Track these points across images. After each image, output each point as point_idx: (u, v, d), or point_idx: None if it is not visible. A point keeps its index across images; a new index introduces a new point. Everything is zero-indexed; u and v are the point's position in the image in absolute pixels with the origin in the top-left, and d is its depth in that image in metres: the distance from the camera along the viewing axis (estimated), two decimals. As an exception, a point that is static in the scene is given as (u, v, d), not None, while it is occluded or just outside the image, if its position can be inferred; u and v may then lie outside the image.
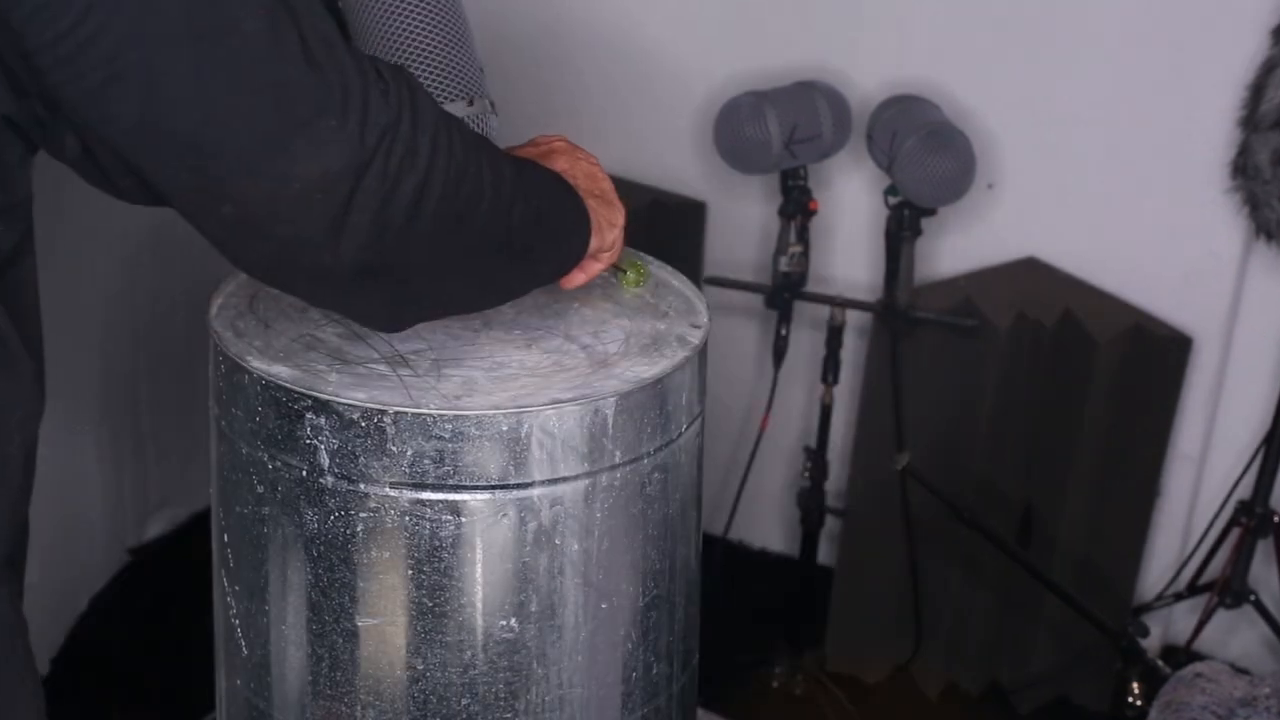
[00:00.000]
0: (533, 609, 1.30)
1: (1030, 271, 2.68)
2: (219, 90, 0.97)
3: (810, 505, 2.68)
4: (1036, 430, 2.58)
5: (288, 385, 1.25)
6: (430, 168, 1.07)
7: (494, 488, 1.25)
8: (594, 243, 1.34)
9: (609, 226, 1.37)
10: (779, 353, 2.62)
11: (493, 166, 1.16)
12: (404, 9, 1.41)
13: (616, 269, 1.48)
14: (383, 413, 1.23)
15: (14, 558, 1.15)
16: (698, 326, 1.45)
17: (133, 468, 2.84)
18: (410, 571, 1.27)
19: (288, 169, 1.00)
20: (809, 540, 2.71)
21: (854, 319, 2.65)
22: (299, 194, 1.01)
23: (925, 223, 2.48)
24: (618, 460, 1.30)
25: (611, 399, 1.27)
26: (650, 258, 1.58)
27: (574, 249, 1.33)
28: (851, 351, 2.70)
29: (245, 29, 0.96)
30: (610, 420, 1.28)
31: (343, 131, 1.01)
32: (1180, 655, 2.55)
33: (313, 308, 1.43)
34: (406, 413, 1.22)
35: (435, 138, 1.08)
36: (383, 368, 1.31)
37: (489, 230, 1.16)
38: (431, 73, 1.40)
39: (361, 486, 1.25)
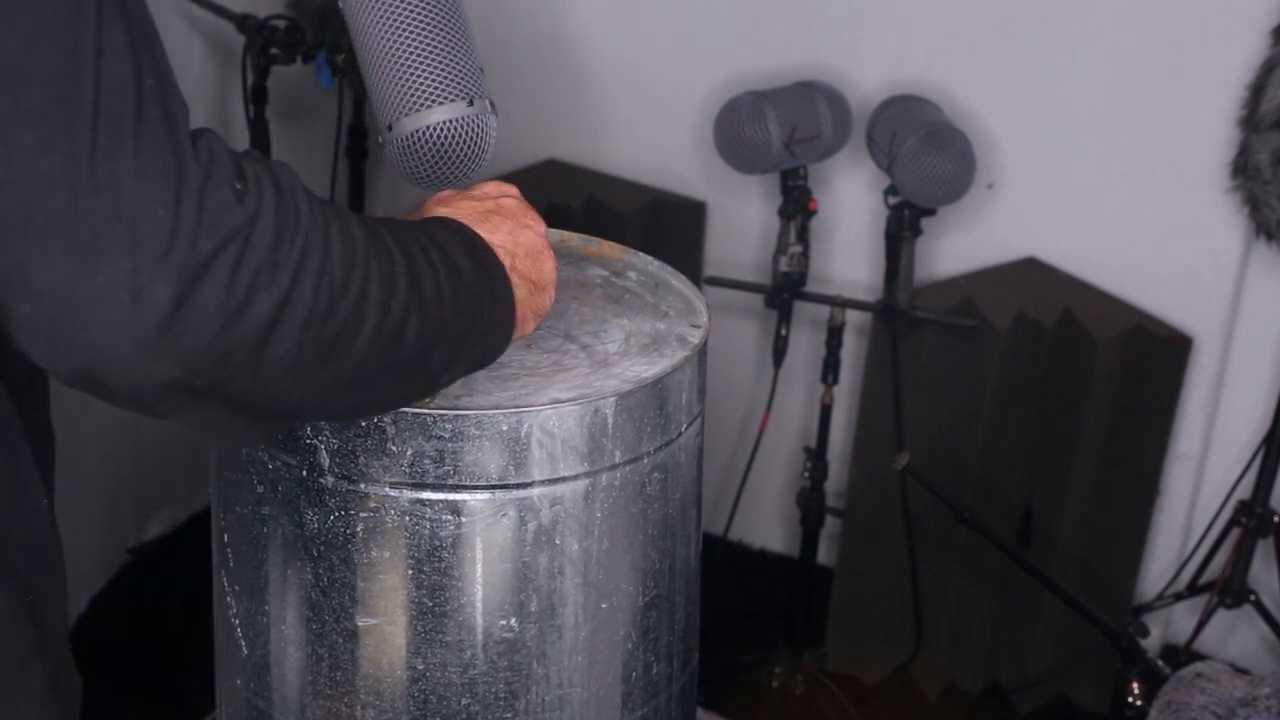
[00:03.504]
0: (533, 609, 1.30)
1: (1030, 271, 2.68)
2: (21, 159, 0.83)
3: (810, 505, 2.68)
4: (1036, 430, 2.58)
5: (287, 385, 1.25)
6: (295, 285, 0.91)
7: (494, 487, 1.25)
8: (516, 334, 1.19)
9: (533, 318, 1.22)
10: (779, 353, 2.62)
11: (384, 281, 0.99)
12: (404, 9, 1.41)
13: None
14: (383, 412, 1.22)
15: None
16: (697, 326, 1.45)
17: (133, 468, 2.84)
18: (410, 571, 1.27)
19: (91, 259, 0.84)
20: (809, 540, 2.71)
21: (854, 319, 2.65)
22: (100, 295, 0.84)
23: (925, 223, 2.48)
24: (618, 460, 1.30)
25: (611, 399, 1.27)
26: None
27: (487, 355, 1.16)
28: (851, 351, 2.70)
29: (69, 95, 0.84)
30: (610, 420, 1.28)
31: (166, 227, 0.85)
32: (1180, 655, 2.55)
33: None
34: (406, 412, 1.22)
35: (306, 251, 0.92)
36: (382, 367, 1.31)
37: (371, 355, 0.99)
38: (431, 73, 1.40)
39: (361, 486, 1.25)
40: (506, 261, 1.16)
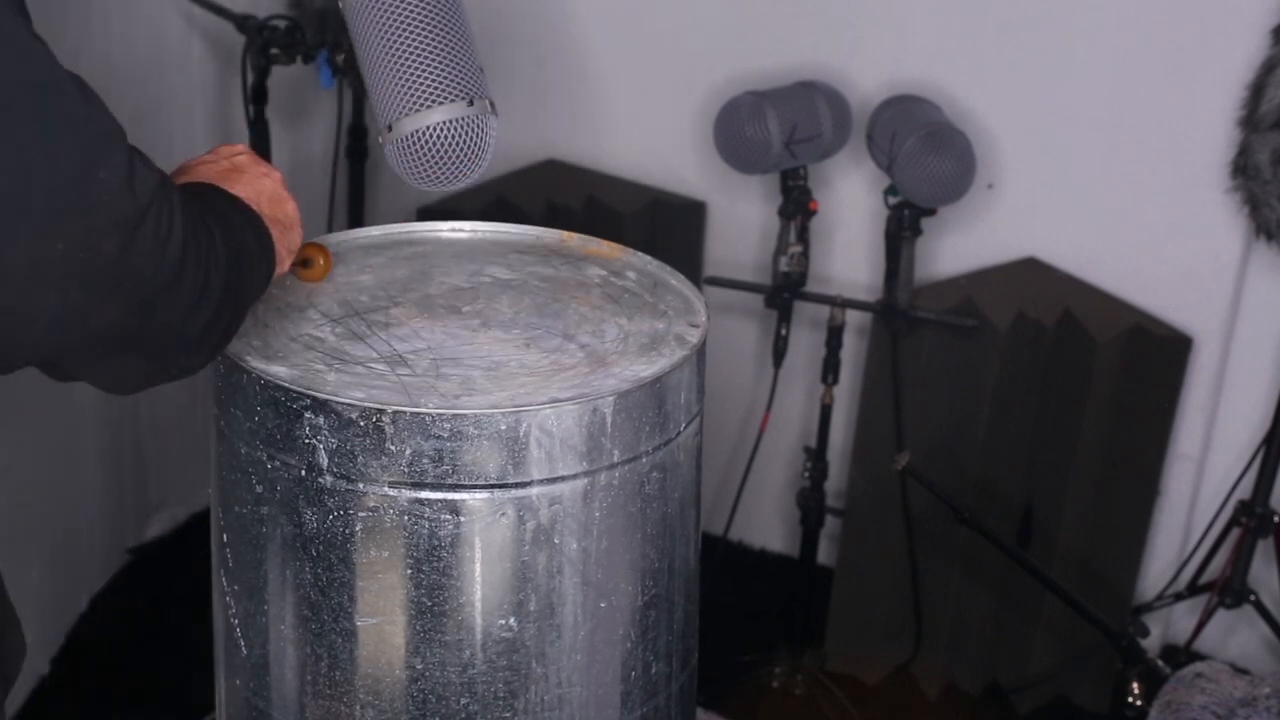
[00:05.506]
0: (531, 608, 1.30)
1: (1030, 271, 2.68)
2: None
3: (810, 505, 2.68)
4: (1036, 430, 2.58)
5: (286, 385, 1.26)
6: (186, 229, 1.05)
7: (493, 487, 1.25)
8: (276, 273, 1.29)
9: (288, 255, 1.32)
10: (779, 353, 2.62)
11: (215, 220, 1.14)
12: (404, 9, 1.41)
13: (297, 267, 1.45)
14: (381, 412, 1.23)
15: None
16: (696, 326, 1.45)
17: (133, 468, 2.84)
18: (409, 571, 1.27)
19: (52, 225, 0.96)
20: (809, 540, 2.71)
21: (854, 319, 2.65)
22: (64, 255, 0.97)
23: (925, 223, 2.48)
24: (616, 459, 1.30)
25: (610, 398, 1.27)
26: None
27: (258, 288, 1.26)
28: (851, 351, 2.70)
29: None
30: (609, 419, 1.28)
31: (113, 183, 0.98)
32: (1180, 655, 2.55)
33: (308, 309, 1.43)
34: (405, 412, 1.22)
35: (181, 199, 1.06)
36: (381, 367, 1.31)
37: (207, 287, 1.11)
38: (431, 73, 1.40)
39: (360, 486, 1.25)
40: (254, 209, 1.25)
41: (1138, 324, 2.54)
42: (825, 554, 2.80)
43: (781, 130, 2.39)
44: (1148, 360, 2.54)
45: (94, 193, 0.97)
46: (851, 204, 2.75)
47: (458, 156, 1.40)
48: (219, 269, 1.11)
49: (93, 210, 0.97)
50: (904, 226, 2.47)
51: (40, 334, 1.00)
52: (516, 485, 1.26)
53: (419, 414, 1.22)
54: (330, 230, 2.81)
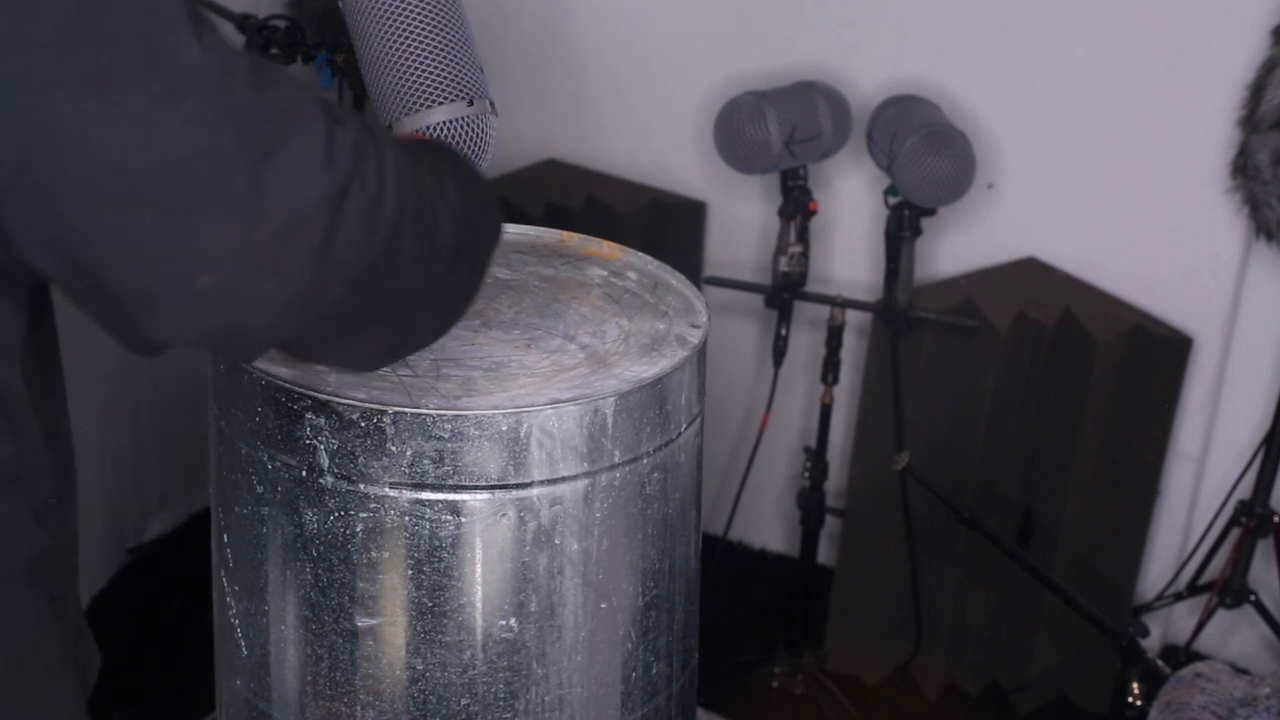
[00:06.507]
0: (532, 609, 1.30)
1: (1030, 271, 2.68)
2: (169, 127, 0.86)
3: (810, 505, 2.68)
4: (1036, 430, 2.58)
5: (287, 385, 1.25)
6: (399, 184, 1.00)
7: (493, 488, 1.25)
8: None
9: None
10: (779, 353, 2.62)
11: (433, 171, 1.09)
12: (404, 9, 1.41)
13: None
14: (382, 412, 1.22)
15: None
16: (697, 326, 1.45)
17: (133, 468, 2.84)
18: (410, 571, 1.27)
19: (259, 206, 0.90)
20: (809, 540, 2.71)
21: (854, 319, 2.65)
22: (274, 236, 0.92)
23: (925, 223, 2.48)
24: (617, 460, 1.30)
25: (611, 399, 1.27)
26: (648, 257, 1.58)
27: (493, 239, 1.21)
28: (851, 351, 2.70)
29: (183, 60, 0.87)
30: (610, 420, 1.28)
31: (311, 156, 0.93)
32: (1180, 655, 2.55)
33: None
34: (406, 412, 1.22)
35: (392, 152, 1.00)
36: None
37: (436, 242, 1.08)
38: (431, 73, 1.40)
39: (361, 486, 1.25)
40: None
41: (1138, 324, 2.54)
42: (825, 554, 2.81)
43: (781, 130, 2.39)
44: (1148, 360, 2.54)
45: (290, 171, 0.92)
46: (851, 204, 2.75)
47: (458, 156, 1.40)
48: (448, 220, 1.07)
49: (292, 189, 0.92)
50: (904, 226, 2.47)
51: (273, 319, 0.97)
52: (517, 486, 1.26)
53: (420, 415, 1.22)
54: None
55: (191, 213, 0.89)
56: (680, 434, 1.37)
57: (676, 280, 1.56)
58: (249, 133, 0.90)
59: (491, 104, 1.43)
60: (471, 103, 1.40)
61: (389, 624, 1.30)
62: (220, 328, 0.96)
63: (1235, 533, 2.55)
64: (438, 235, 1.06)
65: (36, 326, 1.04)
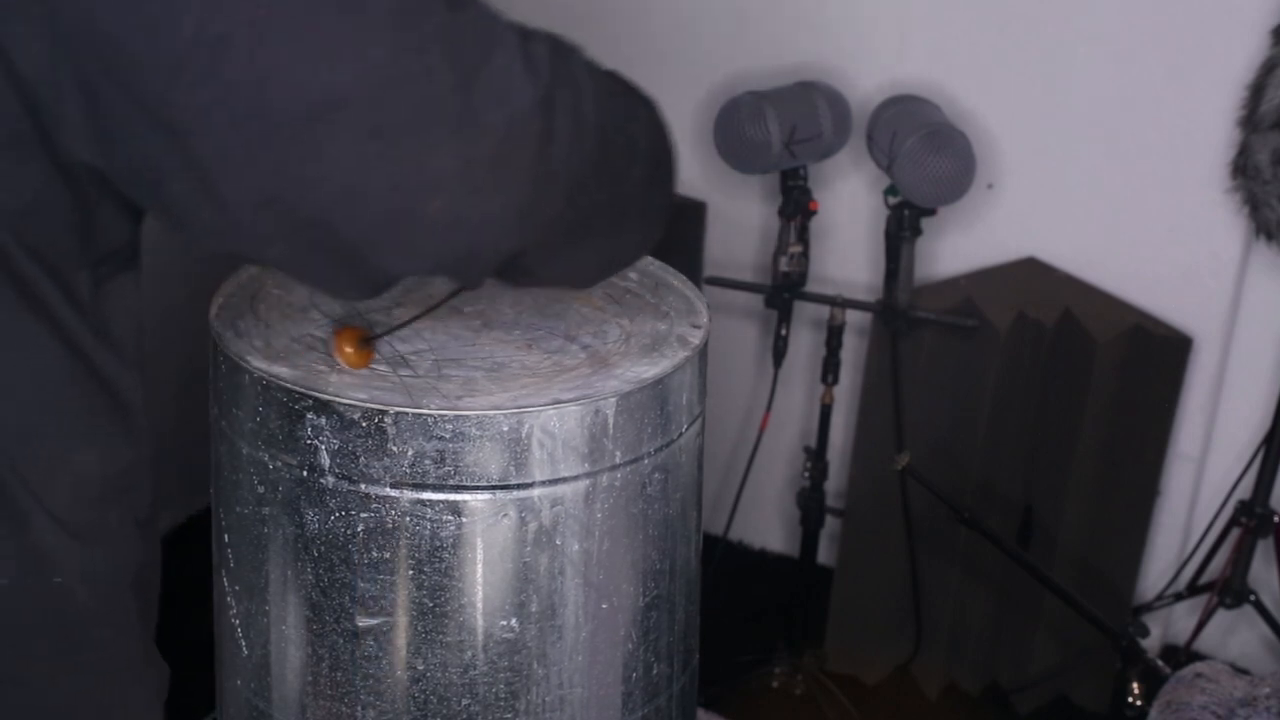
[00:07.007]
0: (533, 609, 1.30)
1: (1030, 271, 2.68)
2: (381, 58, 0.87)
3: (810, 505, 2.68)
4: (1036, 430, 2.58)
5: (288, 385, 1.26)
6: (596, 92, 1.01)
7: (494, 488, 1.25)
8: None
9: None
10: (779, 353, 2.62)
11: (616, 83, 1.11)
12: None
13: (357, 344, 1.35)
14: (383, 413, 1.22)
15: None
16: (698, 327, 1.45)
17: (133, 468, 2.84)
18: (411, 572, 1.27)
19: (477, 122, 0.91)
20: (809, 540, 2.71)
21: (854, 319, 2.65)
22: (493, 151, 0.93)
23: (925, 223, 2.48)
24: (618, 460, 1.30)
25: (612, 399, 1.27)
26: (656, 260, 1.58)
27: (669, 148, 1.22)
28: (851, 351, 2.70)
29: None
30: (611, 420, 1.28)
31: (514, 68, 0.93)
32: (1180, 655, 2.55)
33: (310, 309, 1.43)
34: (407, 413, 1.22)
35: (583, 62, 1.02)
36: (383, 368, 1.31)
37: (634, 144, 1.11)
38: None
39: (362, 487, 1.25)
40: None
41: (1138, 324, 2.54)
42: (825, 554, 2.81)
43: (781, 130, 2.39)
44: (1148, 360, 2.54)
45: (499, 84, 0.92)
46: (851, 204, 2.75)
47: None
48: (640, 131, 1.09)
49: (503, 102, 0.93)
50: (904, 226, 2.46)
51: (498, 235, 0.98)
52: (518, 486, 1.26)
53: (421, 415, 1.22)
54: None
55: (416, 138, 0.90)
56: (681, 434, 1.37)
57: (677, 281, 1.56)
58: (455, 52, 0.90)
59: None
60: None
61: (390, 624, 1.30)
62: (452, 251, 0.97)
63: (1235, 533, 2.55)
64: (636, 144, 1.09)
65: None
